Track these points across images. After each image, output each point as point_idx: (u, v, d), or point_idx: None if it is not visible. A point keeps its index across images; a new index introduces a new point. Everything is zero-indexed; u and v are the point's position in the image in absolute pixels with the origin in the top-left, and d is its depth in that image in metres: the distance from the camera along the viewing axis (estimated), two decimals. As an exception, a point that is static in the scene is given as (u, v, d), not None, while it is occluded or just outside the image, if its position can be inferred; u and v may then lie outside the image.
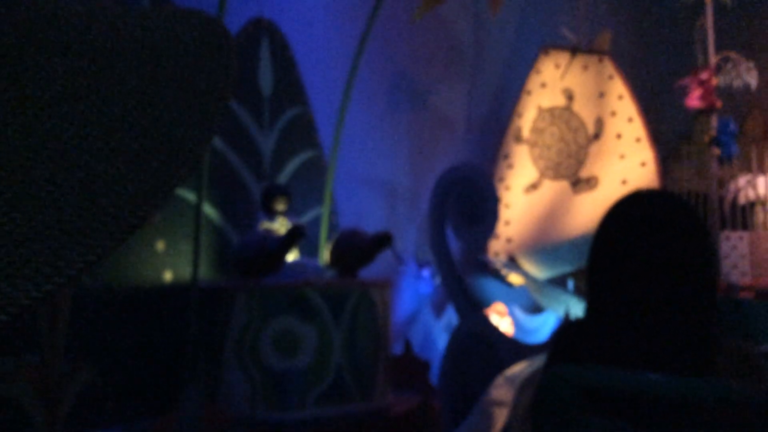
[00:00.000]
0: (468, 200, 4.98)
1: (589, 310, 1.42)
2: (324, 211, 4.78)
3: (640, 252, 1.33)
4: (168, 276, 4.15)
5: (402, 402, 4.20)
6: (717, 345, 1.32)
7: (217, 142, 4.48)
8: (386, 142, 6.23)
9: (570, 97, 6.64)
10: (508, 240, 6.62)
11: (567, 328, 1.49)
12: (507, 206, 6.65)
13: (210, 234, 4.39)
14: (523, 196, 6.71)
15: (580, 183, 6.49)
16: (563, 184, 6.57)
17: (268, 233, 4.03)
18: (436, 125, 6.72)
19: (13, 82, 0.47)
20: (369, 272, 4.54)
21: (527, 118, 6.85)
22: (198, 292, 3.92)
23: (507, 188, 6.77)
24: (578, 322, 1.46)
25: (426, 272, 6.17)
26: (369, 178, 6.02)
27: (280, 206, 4.37)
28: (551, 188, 6.63)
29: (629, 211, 1.40)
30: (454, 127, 6.91)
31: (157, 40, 0.56)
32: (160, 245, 4.14)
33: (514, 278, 6.40)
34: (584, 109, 6.57)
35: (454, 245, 5.67)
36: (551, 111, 6.71)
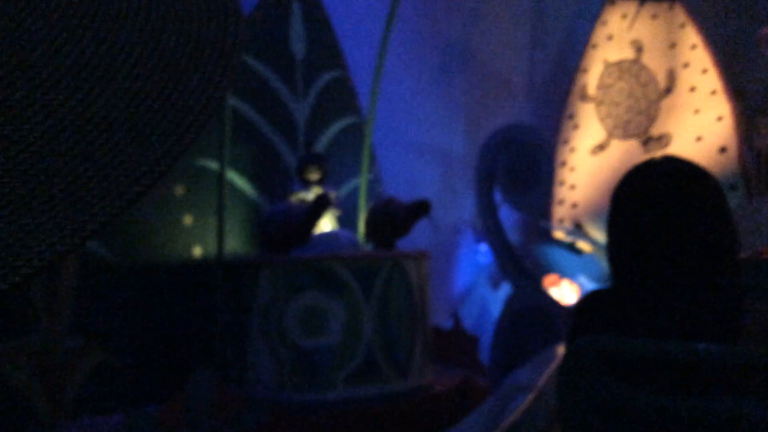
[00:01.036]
0: (520, 163, 4.63)
1: (613, 279, 1.41)
2: (362, 179, 4.52)
3: (658, 218, 1.33)
4: (197, 251, 3.98)
5: (443, 380, 3.93)
6: (742, 309, 1.29)
7: (248, 110, 4.27)
8: (439, 107, 5.91)
9: (639, 49, 6.14)
10: (574, 205, 6.20)
11: (590, 297, 1.45)
12: (572, 169, 6.23)
13: (242, 207, 4.20)
14: (589, 158, 6.27)
15: (650, 142, 6.01)
16: (633, 144, 6.09)
17: (294, 205, 3.80)
18: (494, 87, 6.35)
19: (16, 52, 0.48)
20: (422, 243, 4.29)
21: (593, 74, 6.39)
22: (223, 268, 3.74)
23: (572, 150, 6.34)
24: (602, 292, 1.44)
25: (484, 246, 5.84)
26: (421, 144, 5.72)
27: (314, 175, 4.14)
28: (620, 148, 6.18)
29: (644, 179, 1.41)
30: (514, 89, 6.52)
31: (161, 9, 0.56)
32: (188, 219, 3.97)
33: (582, 246, 6.00)
34: (654, 62, 6.05)
35: (511, 213, 5.34)
36: (619, 65, 6.23)
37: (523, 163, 4.57)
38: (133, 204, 0.46)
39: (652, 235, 1.32)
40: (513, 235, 5.90)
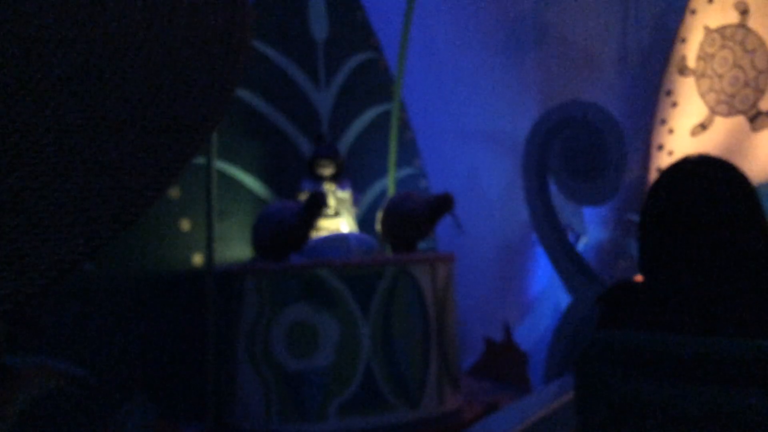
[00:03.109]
0: (580, 148, 3.94)
1: (642, 272, 1.42)
2: (390, 174, 3.98)
3: (690, 215, 1.35)
4: (197, 259, 3.57)
5: (477, 406, 3.33)
6: None
7: (260, 101, 3.83)
8: (507, 87, 5.25)
9: (744, 11, 5.29)
10: None
11: (617, 289, 1.47)
12: (671, 153, 5.46)
13: (252, 209, 3.75)
14: (690, 139, 5.47)
15: (760, 117, 5.15)
16: (739, 121, 5.27)
17: (289, 204, 3.31)
18: (575, 62, 5.61)
19: (20, 57, 0.47)
20: (486, 245, 3.71)
21: (692, 42, 5.57)
22: (213, 280, 3.31)
23: (671, 131, 5.56)
24: (629, 284, 1.45)
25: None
26: (483, 131, 5.08)
27: (327, 170, 3.65)
28: (724, 127, 5.39)
29: (677, 175, 1.42)
30: (600, 64, 5.75)
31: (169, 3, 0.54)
32: (185, 224, 3.57)
33: None
34: (762, 25, 5.19)
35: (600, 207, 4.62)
36: (721, 31, 5.40)
37: (585, 147, 3.87)
38: (147, 208, 0.44)
39: (684, 230, 1.35)
40: (602, 232, 5.18)
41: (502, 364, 3.85)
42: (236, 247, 3.66)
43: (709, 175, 1.40)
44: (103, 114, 0.46)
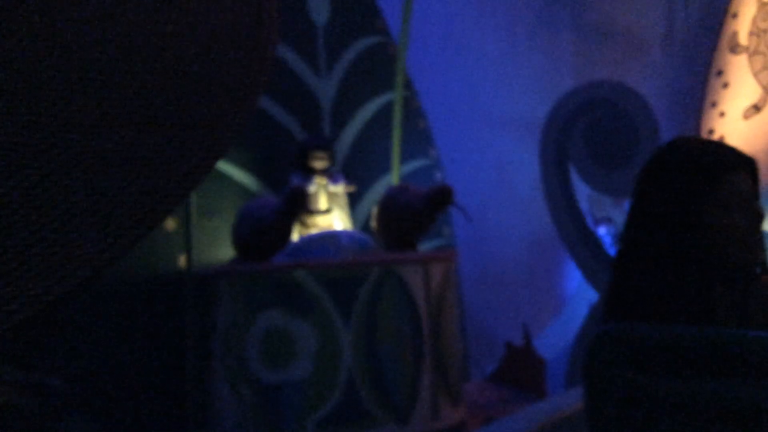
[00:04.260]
0: (606, 132, 3.56)
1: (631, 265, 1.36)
2: (394, 165, 3.67)
3: (674, 206, 1.31)
4: (183, 261, 3.33)
5: (473, 422, 3.01)
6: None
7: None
8: (539, 69, 4.87)
9: (801, -22, 4.83)
10: None
11: (618, 283, 1.36)
12: (723, 137, 5.03)
13: (245, 206, 3.50)
14: (742, 122, 5.08)
15: (819, 96, 4.67)
16: (797, 101, 4.81)
17: (271, 201, 3.04)
18: (616, 41, 5.20)
19: (44, 55, 0.45)
20: (518, 242, 3.39)
21: (744, 17, 5.17)
22: (192, 283, 3.07)
23: (722, 114, 5.17)
24: (627, 280, 1.36)
25: (602, 230, 4.72)
26: (512, 117, 4.72)
27: (319, 163, 3.37)
28: (780, 108, 4.92)
29: (656, 164, 1.37)
30: (645, 43, 5.31)
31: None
32: (171, 223, 3.34)
33: None
34: (822, -7, 4.73)
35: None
36: (776, 2, 4.97)
37: (612, 131, 3.49)
38: (171, 210, 0.42)
39: (670, 221, 1.31)
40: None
41: (522, 370, 3.52)
42: (225, 247, 3.41)
43: (697, 158, 1.32)
44: (127, 112, 0.45)
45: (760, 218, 1.33)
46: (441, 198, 3.06)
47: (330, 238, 3.14)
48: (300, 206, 2.87)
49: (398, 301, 2.82)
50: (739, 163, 1.29)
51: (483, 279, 4.07)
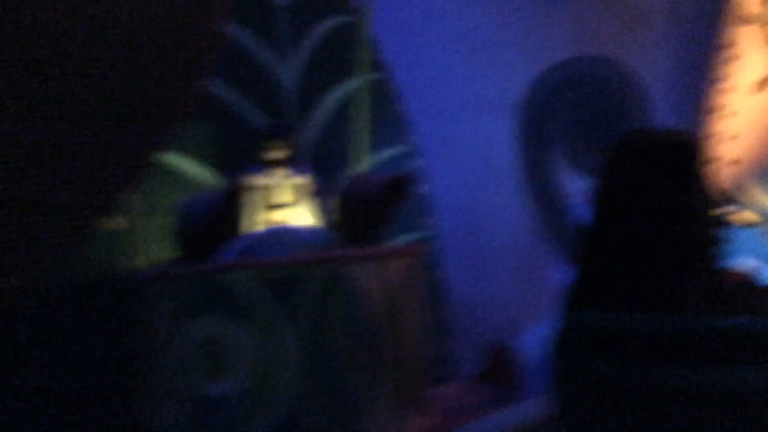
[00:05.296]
0: (591, 110, 3.27)
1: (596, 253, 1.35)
2: (359, 153, 3.39)
3: (638, 196, 1.31)
4: (138, 261, 3.09)
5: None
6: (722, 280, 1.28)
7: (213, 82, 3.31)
8: (532, 49, 4.55)
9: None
10: (735, 161, 4.78)
11: (585, 272, 1.36)
12: (733, 115, 4.76)
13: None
14: (752, 96, 4.78)
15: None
16: (812, 72, 4.53)
17: (215, 195, 2.79)
18: (617, 14, 4.87)
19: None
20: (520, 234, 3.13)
21: (756, -16, 4.86)
22: (127, 286, 2.82)
23: (732, 89, 4.86)
24: (594, 269, 1.35)
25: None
26: (502, 101, 4.40)
27: (277, 154, 3.10)
28: (795, 80, 4.63)
29: (627, 153, 1.34)
30: (648, 15, 4.99)
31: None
32: (120, 221, 3.09)
33: (746, 216, 4.54)
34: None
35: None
36: (791, -33, 4.72)
37: (596, 109, 3.19)
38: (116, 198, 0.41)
39: (633, 210, 1.30)
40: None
41: (505, 370, 3.27)
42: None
43: (656, 148, 1.32)
44: (78, 101, 0.46)
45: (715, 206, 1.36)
46: (398, 186, 2.79)
47: (285, 233, 2.87)
48: (240, 200, 2.61)
49: (350, 303, 2.54)
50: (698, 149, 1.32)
51: (471, 272, 3.78)
